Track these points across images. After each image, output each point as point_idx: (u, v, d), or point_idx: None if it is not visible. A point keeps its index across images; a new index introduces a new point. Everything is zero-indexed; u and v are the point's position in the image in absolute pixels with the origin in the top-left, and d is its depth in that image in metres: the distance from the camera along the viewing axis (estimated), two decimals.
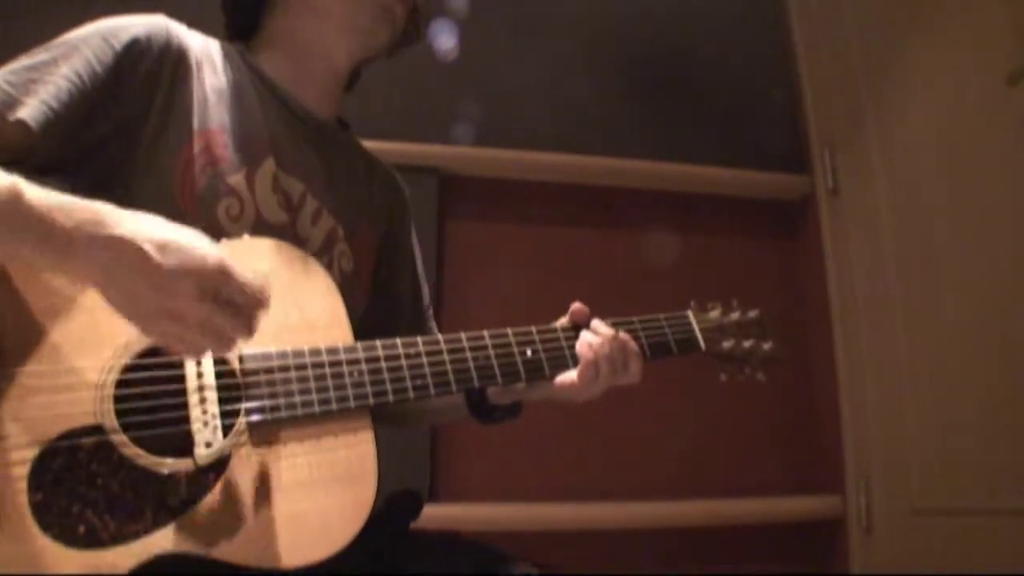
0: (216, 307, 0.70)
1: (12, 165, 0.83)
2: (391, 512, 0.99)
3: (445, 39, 1.19)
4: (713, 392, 2.02)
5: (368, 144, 1.21)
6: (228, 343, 0.73)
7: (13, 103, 0.82)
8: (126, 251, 0.68)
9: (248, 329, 0.73)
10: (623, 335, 1.00)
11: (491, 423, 1.07)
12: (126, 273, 0.68)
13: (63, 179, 0.93)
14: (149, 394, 0.77)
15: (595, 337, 0.98)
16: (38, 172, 0.87)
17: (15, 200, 0.66)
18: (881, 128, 2.14)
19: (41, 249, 0.67)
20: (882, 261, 2.08)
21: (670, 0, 2.36)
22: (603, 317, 1.05)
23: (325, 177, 1.06)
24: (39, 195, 0.68)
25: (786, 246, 2.35)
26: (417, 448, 1.93)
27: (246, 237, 0.91)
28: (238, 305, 0.72)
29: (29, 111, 0.81)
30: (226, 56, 1.02)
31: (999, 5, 1.75)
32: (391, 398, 0.88)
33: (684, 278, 2.16)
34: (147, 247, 0.68)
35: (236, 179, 0.95)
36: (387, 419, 1.13)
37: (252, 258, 0.89)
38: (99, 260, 0.67)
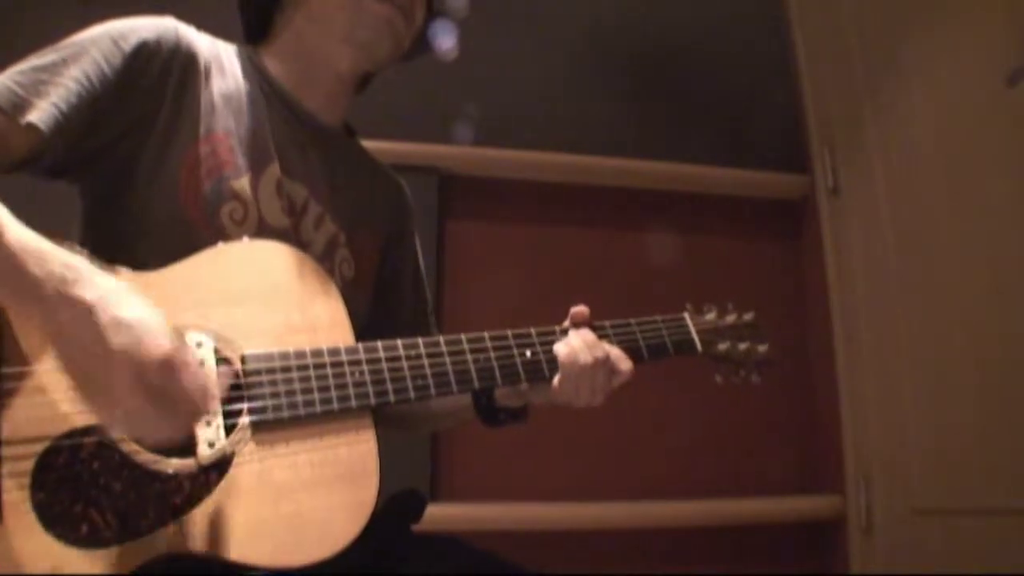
0: (148, 401, 0.67)
1: (22, 167, 0.84)
2: (394, 512, 0.99)
3: (446, 39, 1.19)
4: (713, 392, 2.00)
5: (368, 144, 1.21)
6: (153, 435, 0.70)
7: (23, 105, 0.81)
8: (83, 317, 0.66)
9: (175, 431, 0.70)
10: (601, 343, 1.00)
11: (498, 426, 1.07)
12: (76, 338, 0.66)
13: (71, 181, 0.93)
14: None
15: (575, 339, 0.98)
16: (46, 174, 0.88)
17: None
18: (881, 128, 2.14)
19: (5, 290, 0.66)
20: (882, 261, 2.08)
21: (670, 0, 2.36)
22: (603, 318, 1.05)
23: (328, 183, 1.06)
24: (19, 236, 0.67)
25: (786, 246, 2.35)
26: (417, 448, 1.93)
27: (247, 239, 0.91)
28: (174, 404, 0.69)
29: (39, 114, 0.81)
30: (235, 59, 1.03)
31: (999, 5, 1.75)
32: (392, 398, 0.88)
33: (684, 278, 2.16)
34: (103, 319, 0.66)
35: (240, 184, 0.95)
36: (394, 422, 1.13)
37: (254, 259, 0.89)
38: (57, 317, 0.66)
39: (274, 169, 0.98)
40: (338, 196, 1.07)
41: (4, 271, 0.65)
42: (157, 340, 0.68)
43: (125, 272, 0.81)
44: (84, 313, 0.66)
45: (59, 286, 0.66)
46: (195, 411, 0.71)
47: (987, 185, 1.78)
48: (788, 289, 2.30)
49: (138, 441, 0.74)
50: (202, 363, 0.79)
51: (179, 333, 0.73)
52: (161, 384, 0.68)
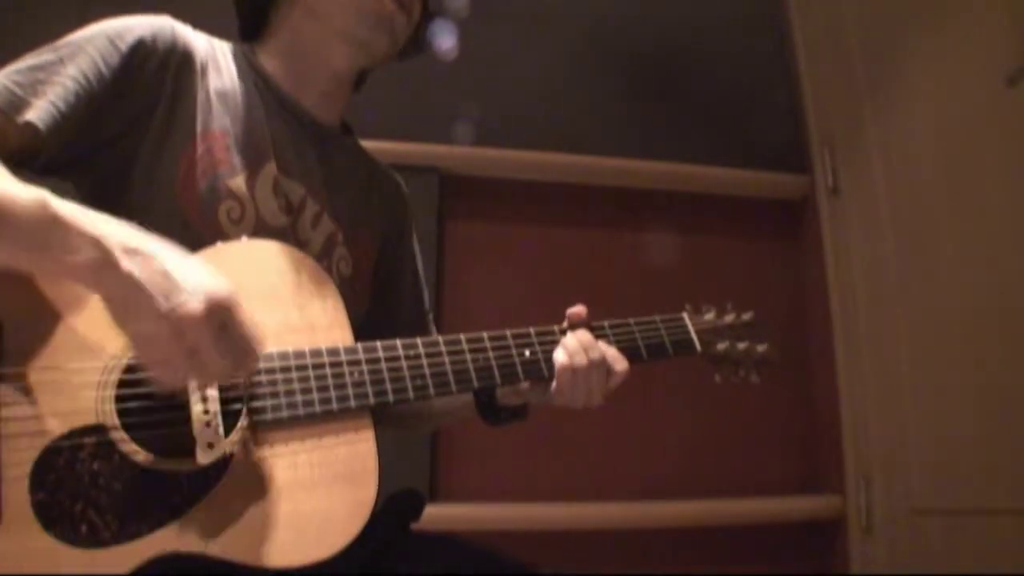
0: (214, 336, 0.70)
1: (19, 166, 0.84)
2: (393, 512, 0.99)
3: (445, 39, 1.19)
4: (713, 392, 2.01)
5: (368, 144, 1.21)
6: (210, 376, 0.73)
7: (20, 104, 0.82)
8: (150, 264, 0.69)
9: (234, 370, 0.73)
10: (599, 343, 1.00)
11: (498, 424, 1.07)
12: (144, 284, 0.68)
13: (68, 180, 0.93)
14: (151, 394, 0.77)
15: (571, 341, 0.99)
16: (43, 172, 0.88)
17: (43, 210, 0.67)
18: (881, 128, 2.14)
19: (65, 258, 0.67)
20: (882, 261, 2.08)
21: (670, 0, 2.36)
22: (603, 318, 1.05)
23: (326, 181, 1.06)
24: (65, 205, 0.69)
25: (786, 246, 2.35)
26: (417, 448, 1.93)
27: (245, 238, 0.91)
28: (235, 345, 0.72)
29: (36, 112, 0.81)
30: (231, 57, 1.03)
31: (999, 5, 1.75)
32: (391, 398, 0.88)
33: (684, 278, 2.16)
34: (170, 264, 0.69)
35: (237, 182, 0.95)
36: (394, 421, 1.13)
37: (252, 259, 0.89)
38: (122, 266, 0.68)
39: (271, 167, 0.98)
40: (335, 194, 1.07)
41: (58, 234, 0.67)
42: (221, 281, 0.72)
43: None
44: (150, 259, 0.69)
45: (120, 241, 0.69)
46: (252, 351, 0.74)
47: (987, 185, 1.78)
48: (788, 289, 2.30)
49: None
50: None
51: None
52: (228, 321, 0.71)
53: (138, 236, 0.71)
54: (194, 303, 0.68)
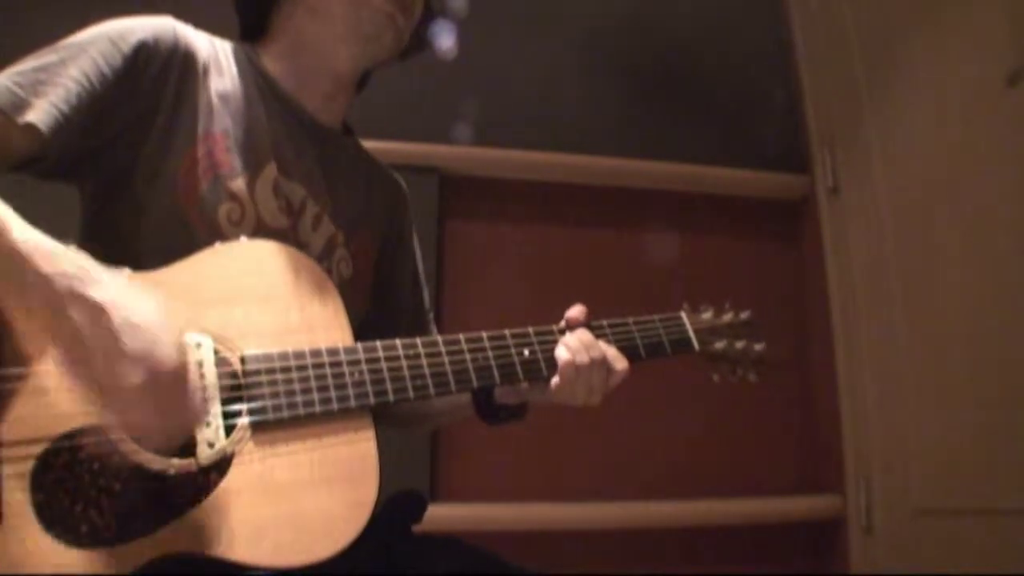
0: (154, 405, 0.68)
1: (21, 168, 0.84)
2: (394, 513, 0.99)
3: (444, 39, 1.19)
4: (713, 392, 2.01)
5: (368, 144, 1.21)
6: (155, 438, 0.72)
7: (22, 105, 0.81)
8: (95, 317, 0.66)
9: (175, 435, 0.73)
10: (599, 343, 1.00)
11: (497, 424, 1.07)
12: (86, 337, 0.66)
13: (70, 182, 0.94)
14: None
15: (572, 340, 0.99)
16: (46, 174, 0.88)
17: (1, 235, 0.65)
18: (881, 128, 2.14)
19: (12, 289, 0.67)
20: (882, 261, 2.08)
21: (671, 1, 2.36)
22: (603, 317, 1.05)
23: (326, 183, 1.06)
24: (27, 235, 0.67)
25: (786, 246, 2.35)
26: (417, 448, 1.93)
27: (244, 239, 0.91)
28: (178, 410, 0.71)
29: (38, 114, 0.81)
30: (233, 58, 1.02)
31: (999, 5, 1.75)
32: (391, 398, 0.88)
33: (684, 278, 2.16)
34: (116, 321, 0.67)
35: (237, 184, 0.95)
36: (393, 421, 1.13)
37: (251, 259, 0.89)
38: (67, 315, 0.66)
39: (271, 169, 0.98)
40: (336, 196, 1.07)
41: (11, 268, 0.65)
42: (168, 347, 0.69)
43: (123, 272, 0.81)
44: (96, 313, 0.67)
45: (70, 284, 0.67)
46: (191, 423, 0.73)
47: (987, 185, 1.78)
48: (788, 289, 2.30)
49: (138, 442, 0.74)
50: (201, 364, 0.80)
51: (180, 332, 0.74)
52: (169, 390, 0.69)
53: (92, 281, 0.68)
54: (131, 377, 0.66)
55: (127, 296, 0.69)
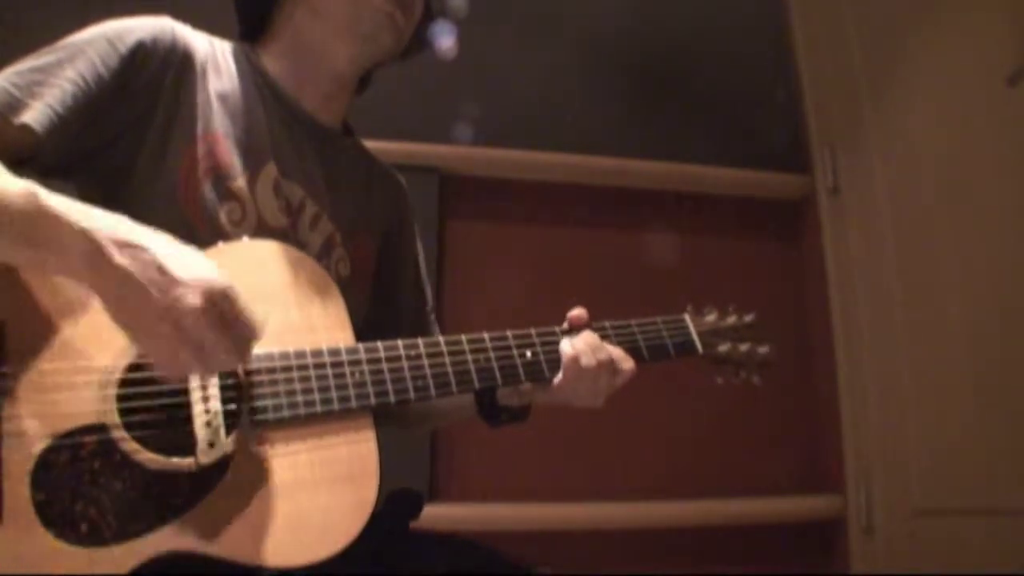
0: (215, 327, 0.70)
1: (16, 168, 0.84)
2: (391, 511, 0.99)
3: (445, 38, 1.19)
4: (713, 392, 2.00)
5: (368, 144, 1.21)
6: (215, 366, 0.73)
7: (18, 106, 0.82)
8: (143, 257, 0.68)
9: (238, 358, 0.73)
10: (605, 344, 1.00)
11: (499, 425, 1.07)
12: (138, 279, 0.68)
13: (67, 182, 0.93)
14: (152, 393, 0.77)
15: (579, 342, 0.99)
16: (43, 174, 0.88)
17: (32, 202, 0.67)
18: (881, 128, 2.14)
19: (56, 251, 0.67)
20: (882, 261, 2.08)
21: (670, 1, 2.36)
22: (603, 318, 1.05)
23: (325, 182, 1.06)
24: (55, 199, 0.68)
25: (786, 246, 2.35)
26: (417, 448, 1.93)
27: (246, 239, 0.91)
28: (235, 333, 0.72)
29: (33, 115, 0.81)
30: (232, 58, 1.02)
31: (999, 5, 1.76)
32: (392, 398, 0.88)
33: (684, 278, 2.16)
34: (164, 257, 0.69)
35: (238, 184, 0.95)
36: (394, 420, 1.13)
37: (253, 259, 0.89)
38: (114, 261, 0.68)
39: (271, 169, 0.99)
40: (335, 196, 1.07)
41: (47, 228, 0.67)
42: (216, 271, 0.71)
43: None
44: (142, 251, 0.69)
45: (111, 234, 0.68)
46: (253, 335, 0.73)
47: (987, 185, 1.78)
48: (788, 289, 2.30)
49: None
50: None
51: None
52: (226, 310, 0.71)
53: (130, 228, 0.70)
54: (191, 297, 0.68)
55: (165, 240, 0.72)
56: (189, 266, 0.70)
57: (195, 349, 0.69)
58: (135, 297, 0.68)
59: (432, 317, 1.24)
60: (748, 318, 1.17)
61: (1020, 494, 1.64)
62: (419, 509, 1.05)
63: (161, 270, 0.68)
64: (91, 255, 0.68)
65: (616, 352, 1.00)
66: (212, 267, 0.72)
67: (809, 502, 2.15)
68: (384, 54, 1.07)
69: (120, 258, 0.68)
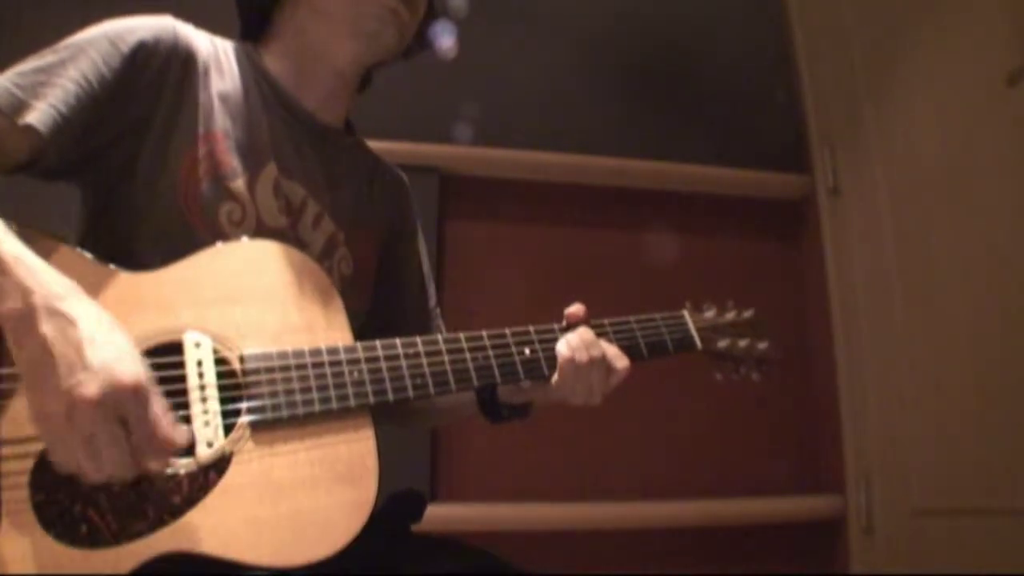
0: (109, 426, 0.65)
1: (21, 169, 0.84)
2: (393, 512, 0.99)
3: (445, 38, 1.19)
4: (713, 392, 2.01)
5: (369, 144, 1.21)
6: (106, 468, 0.66)
7: (21, 106, 0.82)
8: (68, 332, 0.66)
9: (133, 466, 0.67)
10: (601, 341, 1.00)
11: (500, 422, 1.07)
12: (54, 353, 0.65)
13: (71, 182, 0.94)
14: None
15: (574, 338, 0.99)
16: (46, 175, 0.88)
17: None
18: (881, 128, 2.14)
19: None
20: (882, 261, 2.08)
21: (670, 0, 2.36)
22: (603, 317, 1.05)
23: (326, 182, 1.06)
24: (13, 248, 0.68)
25: (786, 246, 2.36)
26: (417, 448, 1.93)
27: (245, 238, 0.91)
28: (136, 437, 0.67)
29: (37, 115, 0.81)
30: (234, 58, 1.02)
31: (999, 5, 1.75)
32: (391, 397, 0.88)
33: (685, 278, 2.16)
34: (86, 334, 0.67)
35: (237, 184, 0.95)
36: (394, 417, 1.13)
37: (252, 259, 0.89)
38: (39, 326, 0.66)
39: (271, 169, 0.98)
40: (337, 195, 1.07)
41: None
42: (135, 364, 0.68)
43: (123, 272, 0.81)
44: (68, 325, 0.67)
45: (48, 298, 0.67)
46: (158, 447, 0.68)
47: (987, 185, 1.78)
48: (788, 289, 2.30)
49: (80, 474, 0.67)
50: (200, 363, 0.80)
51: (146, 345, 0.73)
52: (129, 412, 0.66)
53: (71, 297, 0.68)
54: (90, 386, 0.64)
55: (100, 319, 0.69)
56: (106, 353, 0.66)
57: (83, 443, 0.65)
58: (43, 371, 0.65)
59: (437, 312, 1.24)
60: (747, 314, 1.17)
61: (1020, 494, 1.64)
62: (421, 510, 1.05)
63: (77, 349, 0.65)
64: (20, 314, 0.66)
65: (611, 350, 1.00)
66: (133, 361, 0.68)
67: (809, 502, 2.15)
68: (386, 52, 1.06)
69: (45, 326, 0.66)
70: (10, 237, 0.68)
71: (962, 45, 1.87)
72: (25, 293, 0.66)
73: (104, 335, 0.68)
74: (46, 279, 0.68)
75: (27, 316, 0.66)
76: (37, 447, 0.71)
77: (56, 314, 0.67)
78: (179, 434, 0.69)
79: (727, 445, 2.14)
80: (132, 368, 0.67)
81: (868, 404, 2.10)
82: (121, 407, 0.66)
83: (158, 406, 0.68)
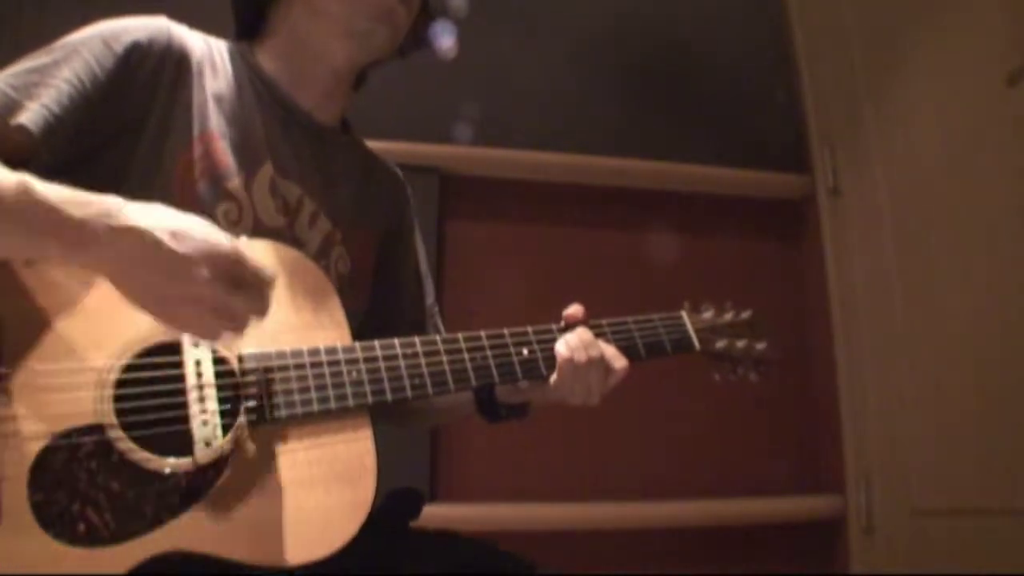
0: (230, 289, 0.71)
1: (14, 169, 0.84)
2: (391, 510, 0.99)
3: (445, 38, 1.19)
4: (713, 392, 2.01)
5: (368, 144, 1.21)
6: (242, 323, 0.74)
7: (14, 107, 0.82)
8: (141, 240, 0.69)
9: (261, 309, 0.75)
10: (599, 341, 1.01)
11: (498, 422, 1.07)
12: (141, 261, 0.69)
13: (65, 183, 0.94)
14: (149, 393, 0.77)
15: (572, 338, 0.99)
16: (40, 176, 0.88)
17: (25, 194, 0.66)
18: (881, 128, 2.14)
19: (54, 241, 0.68)
20: (882, 261, 2.08)
21: (670, 0, 2.36)
22: (602, 317, 1.05)
23: (323, 180, 1.06)
24: (49, 188, 0.68)
25: (786, 246, 2.35)
26: (416, 448, 1.93)
27: (244, 239, 0.91)
28: (250, 287, 0.73)
29: (30, 115, 0.82)
30: (228, 57, 1.03)
31: (999, 5, 1.75)
32: (389, 397, 0.88)
33: (684, 278, 2.16)
34: (161, 235, 0.69)
35: (234, 184, 0.95)
36: (393, 417, 1.13)
37: None
38: (114, 250, 0.68)
39: (267, 169, 0.99)
40: (333, 194, 1.07)
41: (48, 221, 0.67)
42: (216, 235, 0.72)
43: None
44: (142, 237, 0.69)
45: (106, 221, 0.68)
46: (268, 283, 0.75)
47: (987, 185, 1.78)
48: (788, 289, 2.30)
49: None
50: (199, 363, 0.80)
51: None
52: (235, 270, 0.72)
53: (124, 210, 0.70)
54: (199, 269, 0.69)
55: (159, 213, 0.72)
56: (190, 238, 0.70)
57: (218, 314, 0.71)
58: (141, 280, 0.70)
59: (435, 311, 1.24)
60: (745, 315, 1.17)
61: (1020, 494, 1.64)
62: (419, 509, 1.05)
63: (161, 250, 0.69)
64: (90, 245, 0.68)
65: (609, 350, 1.00)
66: (213, 232, 0.73)
67: (809, 502, 2.14)
68: (380, 51, 1.06)
69: (120, 245, 0.68)
70: (40, 182, 0.69)
71: (962, 45, 1.87)
72: (84, 225, 0.67)
73: (178, 224, 0.71)
74: (97, 205, 0.69)
75: (96, 244, 0.68)
76: (35, 446, 0.71)
77: (123, 231, 0.68)
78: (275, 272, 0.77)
79: (727, 445, 2.14)
80: (218, 237, 0.72)
81: (868, 404, 2.10)
82: (231, 272, 0.72)
83: (251, 259, 0.74)
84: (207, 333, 0.74)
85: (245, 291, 0.73)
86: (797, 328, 2.27)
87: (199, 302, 0.70)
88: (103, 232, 0.68)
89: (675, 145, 2.25)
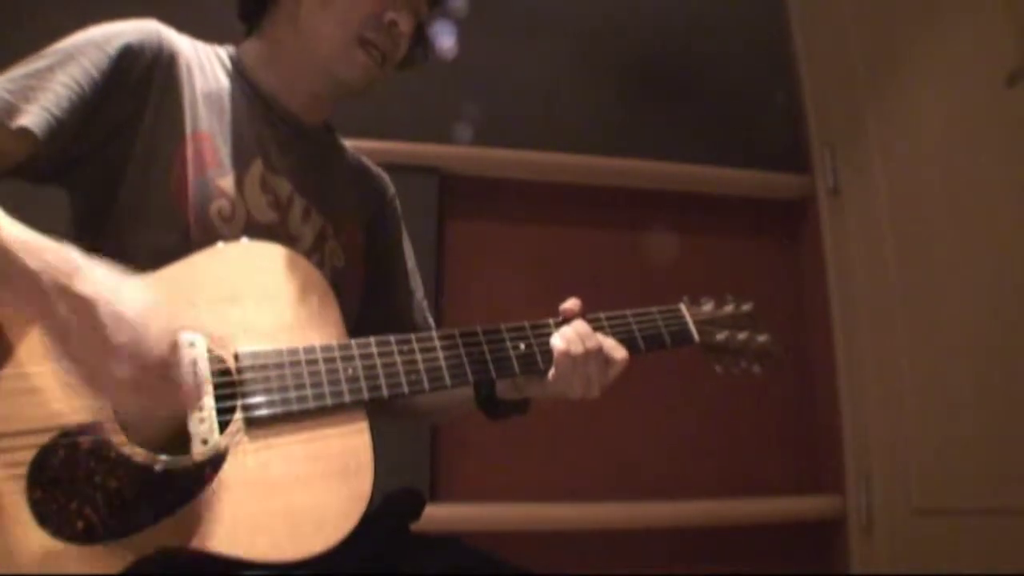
0: (141, 397, 0.70)
1: (15, 172, 0.85)
2: (392, 511, 0.99)
3: (445, 39, 1.19)
4: (713, 392, 2.02)
5: (368, 144, 1.22)
6: (145, 429, 0.74)
7: (14, 110, 0.83)
8: (83, 312, 0.67)
9: (160, 427, 0.74)
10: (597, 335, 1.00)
11: (498, 418, 1.07)
12: (75, 332, 0.67)
13: (62, 186, 0.94)
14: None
15: (568, 330, 0.99)
16: (37, 178, 0.89)
17: None
18: (881, 128, 2.14)
19: (3, 286, 0.67)
20: (882, 261, 2.08)
21: (670, 0, 2.36)
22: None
23: (311, 177, 1.08)
24: (13, 231, 0.68)
25: (786, 246, 2.35)
26: (416, 448, 1.93)
27: (245, 240, 0.93)
28: (161, 402, 0.72)
29: (31, 118, 0.83)
30: (215, 60, 1.04)
31: (999, 5, 1.75)
32: (385, 393, 0.88)
33: (684, 278, 2.15)
34: (103, 314, 0.67)
35: (226, 182, 0.96)
36: (396, 415, 1.14)
37: (249, 260, 0.90)
38: (56, 311, 0.67)
39: (257, 166, 1.00)
40: (322, 190, 1.08)
41: (2, 264, 0.66)
42: (156, 339, 0.69)
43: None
44: (83, 307, 0.67)
45: (57, 279, 0.67)
46: (188, 405, 0.75)
47: (987, 185, 1.78)
48: (788, 289, 2.30)
49: (128, 432, 0.75)
50: (195, 362, 0.80)
51: (172, 321, 0.74)
52: (158, 382, 0.69)
53: (79, 273, 0.68)
54: (123, 368, 0.67)
55: (115, 289, 0.70)
56: (129, 331, 0.68)
57: (139, 398, 0.70)
58: (70, 345, 0.68)
59: (424, 307, 1.24)
60: (746, 307, 1.15)
61: (1020, 494, 1.64)
62: (420, 509, 1.05)
63: (97, 331, 0.67)
64: (36, 300, 0.67)
65: (607, 341, 1.00)
66: (154, 331, 0.70)
67: (809, 502, 2.14)
68: (355, 94, 1.07)
69: (61, 308, 0.67)
70: (8, 220, 0.68)
71: (962, 45, 1.87)
72: (34, 279, 0.66)
73: (124, 309, 0.68)
74: (53, 259, 0.68)
75: (42, 302, 0.67)
76: (33, 445, 0.71)
77: (70, 295, 0.67)
78: (203, 385, 0.77)
79: (727, 445, 2.14)
80: (156, 345, 0.69)
81: (868, 404, 2.10)
82: (150, 384, 0.69)
83: (178, 375, 0.72)
84: (127, 408, 0.73)
85: (160, 394, 0.71)
86: (797, 328, 2.27)
87: (115, 394, 0.70)
88: (51, 289, 0.67)
89: (675, 145, 2.25)
